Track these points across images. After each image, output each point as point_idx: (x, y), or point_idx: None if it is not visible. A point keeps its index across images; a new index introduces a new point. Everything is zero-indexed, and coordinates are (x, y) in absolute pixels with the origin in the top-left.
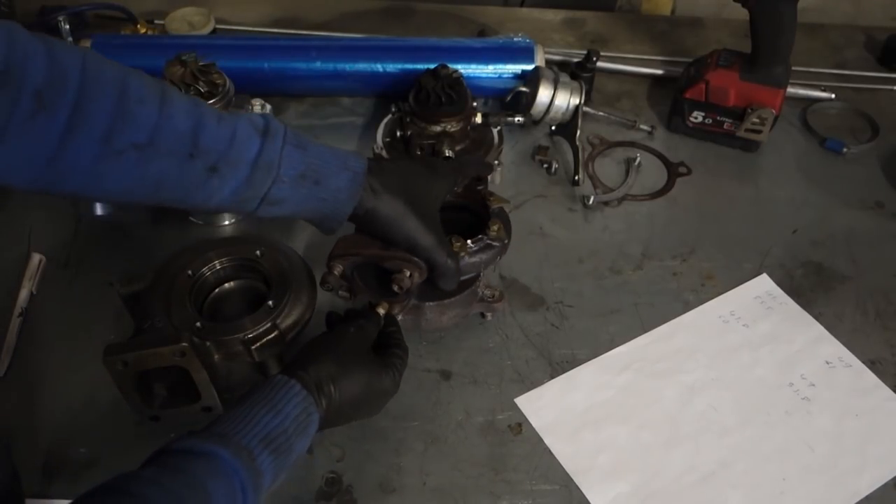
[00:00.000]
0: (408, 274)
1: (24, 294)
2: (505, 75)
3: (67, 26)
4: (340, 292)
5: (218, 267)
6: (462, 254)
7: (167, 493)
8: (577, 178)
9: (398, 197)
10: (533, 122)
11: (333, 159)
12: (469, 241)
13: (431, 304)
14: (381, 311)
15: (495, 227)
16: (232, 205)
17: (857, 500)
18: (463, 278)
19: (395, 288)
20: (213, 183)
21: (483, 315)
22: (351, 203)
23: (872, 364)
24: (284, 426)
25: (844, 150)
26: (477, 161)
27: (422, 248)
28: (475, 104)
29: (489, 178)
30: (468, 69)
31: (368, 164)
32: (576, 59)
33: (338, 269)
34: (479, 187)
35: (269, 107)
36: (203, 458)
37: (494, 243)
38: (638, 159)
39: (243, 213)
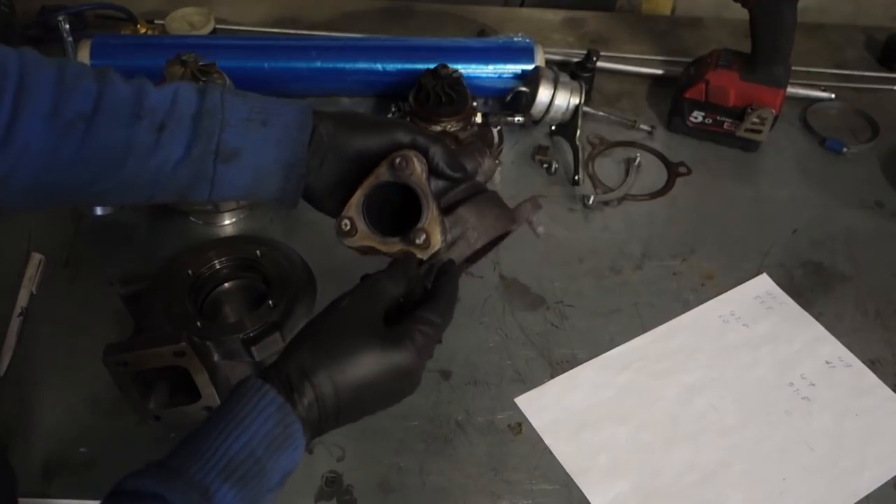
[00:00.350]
0: (408, 158)
1: (24, 294)
2: (505, 75)
3: (67, 26)
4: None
5: (218, 267)
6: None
7: None
8: (577, 178)
9: (347, 116)
10: (533, 122)
11: (274, 101)
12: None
13: (465, 206)
14: (420, 238)
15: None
16: (189, 170)
17: (857, 499)
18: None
19: (402, 167)
20: (164, 142)
21: (530, 223)
22: (306, 133)
23: (872, 364)
24: (252, 447)
25: (844, 150)
26: (398, 125)
27: (400, 136)
28: (475, 104)
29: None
30: (468, 69)
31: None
32: (576, 59)
33: (349, 212)
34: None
35: None
36: (148, 502)
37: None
38: (638, 159)
39: (205, 189)
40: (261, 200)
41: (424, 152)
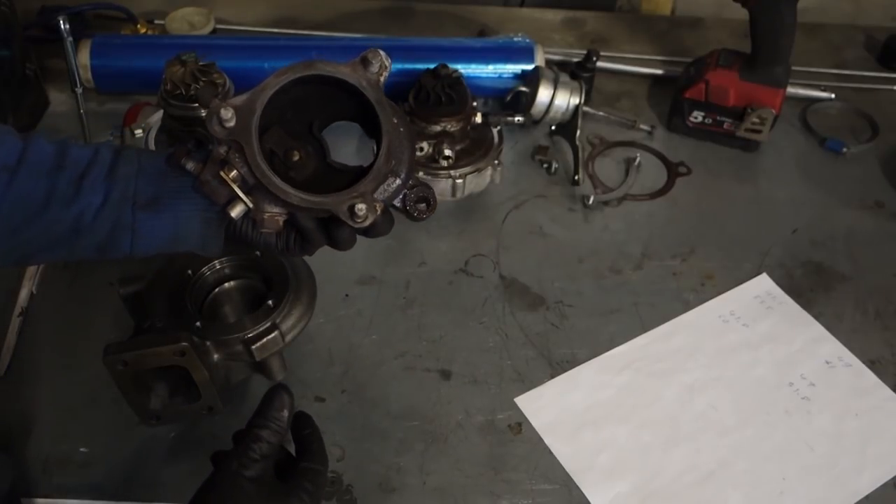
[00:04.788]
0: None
1: (24, 294)
2: (505, 75)
3: (67, 26)
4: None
5: (218, 266)
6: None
7: None
8: (577, 177)
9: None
10: (533, 122)
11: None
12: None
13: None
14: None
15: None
16: (108, 217)
17: (857, 499)
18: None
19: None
20: (84, 190)
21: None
22: None
23: (872, 364)
24: None
25: (844, 150)
26: None
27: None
28: (475, 104)
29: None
30: (468, 69)
31: None
32: (576, 59)
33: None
34: None
35: None
36: None
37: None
38: (638, 159)
39: (126, 239)
40: (184, 250)
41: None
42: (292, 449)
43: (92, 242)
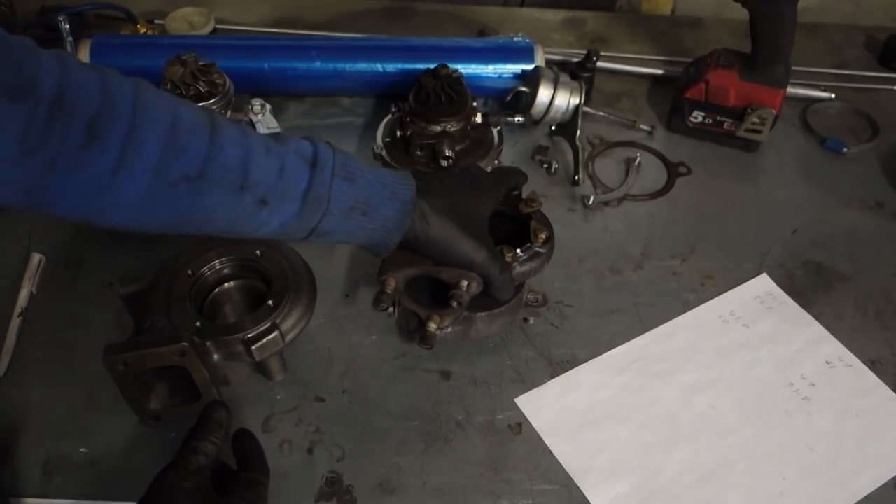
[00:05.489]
0: (465, 286)
1: (24, 294)
2: (505, 75)
3: (67, 26)
4: (381, 305)
5: (218, 267)
6: (513, 264)
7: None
8: (577, 178)
9: (448, 219)
10: (533, 122)
11: (382, 189)
12: (518, 251)
13: (482, 314)
14: (433, 325)
15: (542, 235)
16: (280, 235)
17: (857, 500)
18: None
19: (454, 304)
20: (262, 215)
21: (526, 320)
22: (399, 232)
23: (872, 364)
24: None
25: (844, 150)
26: (515, 171)
27: (477, 265)
28: (475, 104)
29: None
30: (468, 69)
31: (417, 186)
32: (576, 59)
33: (390, 286)
34: (515, 193)
35: (268, 107)
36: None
37: (542, 250)
38: (638, 159)
39: (291, 241)
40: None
41: (488, 281)
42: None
43: (260, 239)
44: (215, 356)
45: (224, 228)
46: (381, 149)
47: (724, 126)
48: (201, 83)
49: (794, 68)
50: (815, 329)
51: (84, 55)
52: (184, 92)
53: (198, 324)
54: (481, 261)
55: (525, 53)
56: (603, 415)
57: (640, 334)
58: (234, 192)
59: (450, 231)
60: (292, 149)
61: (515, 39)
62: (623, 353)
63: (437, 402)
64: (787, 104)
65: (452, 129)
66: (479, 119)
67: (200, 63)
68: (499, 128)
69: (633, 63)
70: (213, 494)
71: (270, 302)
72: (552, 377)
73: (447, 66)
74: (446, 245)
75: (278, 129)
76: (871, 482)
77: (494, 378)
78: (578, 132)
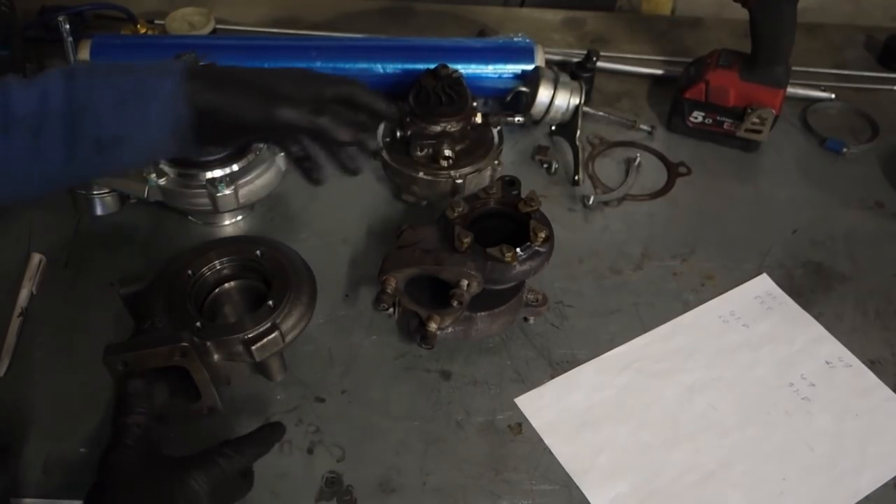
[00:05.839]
0: (465, 285)
1: (24, 294)
2: (505, 75)
3: (67, 26)
4: (382, 305)
5: (218, 267)
6: (514, 263)
7: None
8: (577, 178)
9: (228, 82)
10: (533, 122)
11: (147, 73)
12: (518, 250)
13: (483, 313)
14: (434, 325)
15: (542, 234)
16: (77, 164)
17: (857, 500)
18: (509, 285)
19: (455, 303)
20: (44, 146)
21: (526, 319)
22: (183, 101)
23: (872, 364)
24: None
25: (844, 150)
26: None
27: (290, 111)
28: (475, 104)
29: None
30: (468, 69)
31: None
32: (576, 59)
33: (391, 286)
34: (514, 192)
35: None
36: None
37: (541, 249)
38: (638, 159)
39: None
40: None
41: (309, 131)
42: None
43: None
44: (215, 356)
45: (22, 176)
46: (381, 149)
47: (724, 126)
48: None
49: (794, 68)
50: (815, 329)
51: (84, 55)
52: None
53: (198, 324)
54: (287, 107)
55: (525, 53)
56: (603, 415)
57: (640, 334)
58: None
59: (235, 94)
60: (50, 72)
61: (515, 39)
62: (623, 353)
63: (437, 402)
64: (787, 104)
65: (452, 130)
66: (479, 119)
67: (200, 63)
68: (499, 128)
69: (633, 63)
70: (165, 462)
71: (271, 302)
72: (552, 377)
73: (447, 67)
74: (239, 111)
75: None
76: (871, 482)
77: (494, 378)
78: (578, 132)
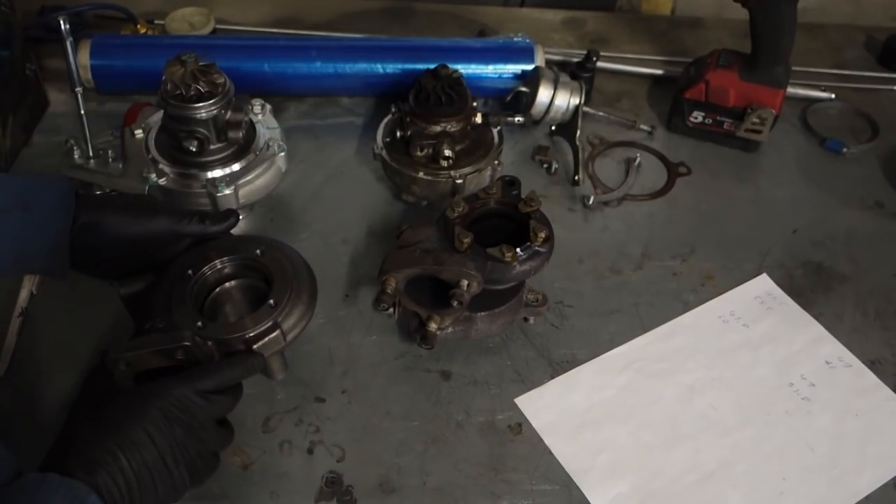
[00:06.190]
0: (465, 286)
1: (24, 294)
2: (505, 75)
3: (67, 26)
4: (382, 305)
5: (218, 266)
6: (514, 263)
7: None
8: (577, 178)
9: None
10: (533, 122)
11: (35, 185)
12: (518, 250)
13: (483, 314)
14: (434, 325)
15: (542, 234)
16: None
17: (857, 500)
18: (509, 285)
19: (455, 303)
20: None
21: (526, 319)
22: (68, 215)
23: (872, 364)
24: None
25: (844, 150)
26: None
27: (168, 220)
28: (475, 104)
29: (494, 177)
30: (468, 69)
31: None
32: (576, 59)
33: (391, 286)
34: (514, 192)
35: (268, 107)
36: None
37: (541, 249)
38: (638, 159)
39: None
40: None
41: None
42: None
43: None
44: (216, 356)
45: None
46: (381, 149)
47: (724, 126)
48: (201, 83)
49: (794, 68)
50: (815, 329)
51: (84, 55)
52: (184, 92)
53: (199, 323)
54: (166, 217)
55: (525, 53)
56: (603, 415)
57: (640, 334)
58: None
59: (119, 208)
60: None
61: (515, 39)
62: (623, 354)
63: (437, 402)
64: (787, 104)
65: (452, 130)
66: (479, 119)
67: (200, 63)
68: (499, 128)
69: (633, 63)
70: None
71: (271, 301)
72: (552, 377)
73: (447, 67)
74: (124, 222)
75: (278, 129)
76: (871, 482)
77: (494, 378)
78: (578, 132)
